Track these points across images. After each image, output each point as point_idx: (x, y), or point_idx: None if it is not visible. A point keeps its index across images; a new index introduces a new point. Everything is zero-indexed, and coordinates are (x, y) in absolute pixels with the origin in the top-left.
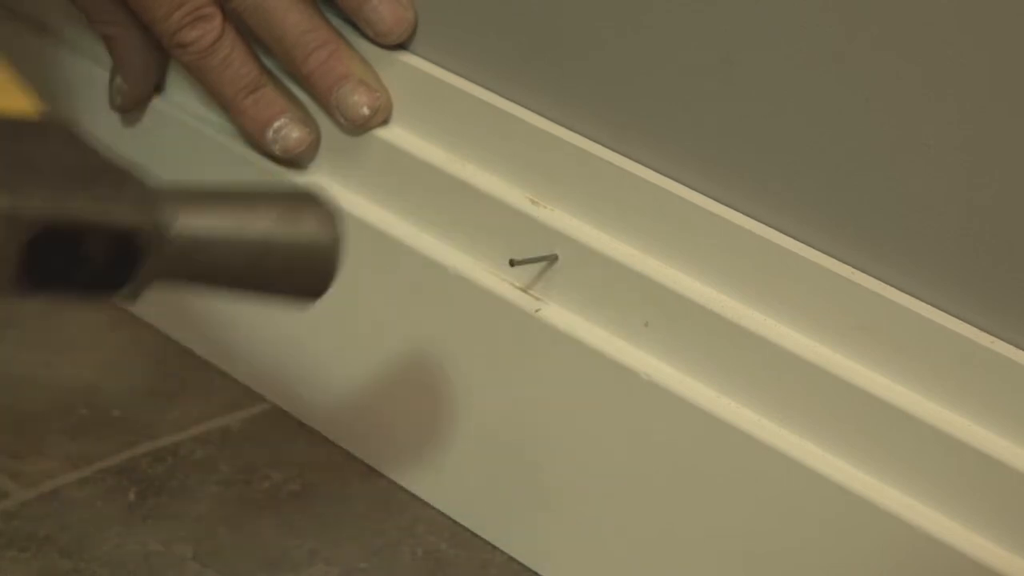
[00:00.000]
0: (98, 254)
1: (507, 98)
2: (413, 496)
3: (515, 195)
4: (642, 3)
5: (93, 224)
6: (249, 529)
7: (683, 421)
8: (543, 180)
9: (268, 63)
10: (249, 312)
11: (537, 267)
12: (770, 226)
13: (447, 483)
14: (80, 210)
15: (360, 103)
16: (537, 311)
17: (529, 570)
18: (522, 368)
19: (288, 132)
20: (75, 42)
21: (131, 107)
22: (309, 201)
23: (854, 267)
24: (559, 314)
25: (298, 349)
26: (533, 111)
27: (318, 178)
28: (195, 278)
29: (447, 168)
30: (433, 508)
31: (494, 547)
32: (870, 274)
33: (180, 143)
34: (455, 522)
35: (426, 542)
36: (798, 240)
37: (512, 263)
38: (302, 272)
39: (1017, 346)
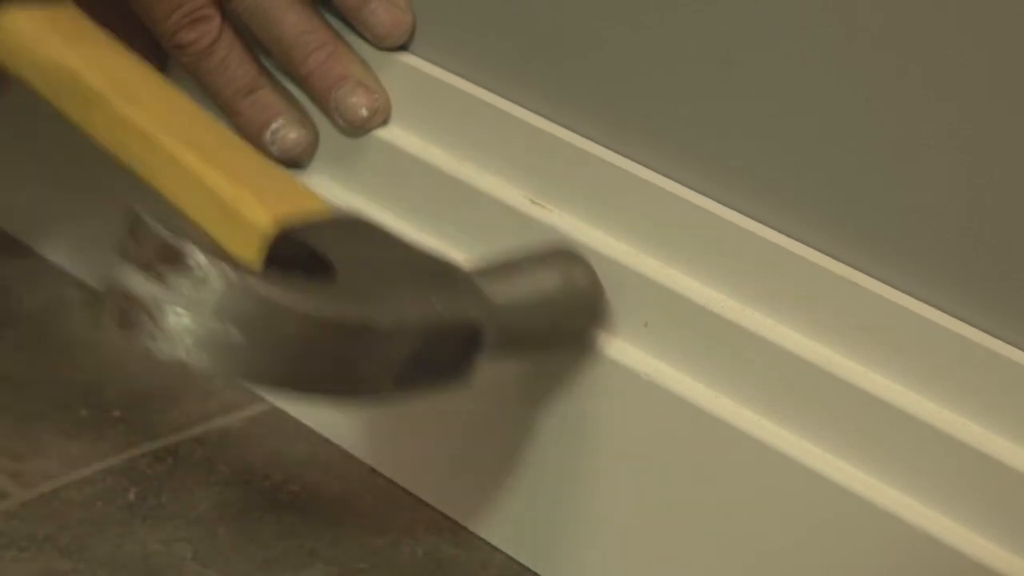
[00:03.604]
0: (453, 349)
1: (507, 98)
2: (413, 496)
3: (515, 195)
4: (642, 3)
5: (456, 325)
6: (249, 529)
7: (683, 421)
8: (543, 180)
9: (268, 64)
10: None
11: None
12: (770, 226)
13: (447, 483)
14: (446, 314)
15: (359, 104)
16: None
17: (529, 570)
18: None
19: (286, 133)
20: None
21: None
22: (571, 256)
23: (854, 267)
24: None
25: None
26: (533, 111)
27: (318, 179)
28: (509, 347)
29: (447, 168)
30: (433, 508)
31: (494, 547)
32: (870, 274)
33: None
34: (455, 522)
35: (426, 542)
36: (798, 240)
37: None
38: (582, 320)
39: (1017, 346)
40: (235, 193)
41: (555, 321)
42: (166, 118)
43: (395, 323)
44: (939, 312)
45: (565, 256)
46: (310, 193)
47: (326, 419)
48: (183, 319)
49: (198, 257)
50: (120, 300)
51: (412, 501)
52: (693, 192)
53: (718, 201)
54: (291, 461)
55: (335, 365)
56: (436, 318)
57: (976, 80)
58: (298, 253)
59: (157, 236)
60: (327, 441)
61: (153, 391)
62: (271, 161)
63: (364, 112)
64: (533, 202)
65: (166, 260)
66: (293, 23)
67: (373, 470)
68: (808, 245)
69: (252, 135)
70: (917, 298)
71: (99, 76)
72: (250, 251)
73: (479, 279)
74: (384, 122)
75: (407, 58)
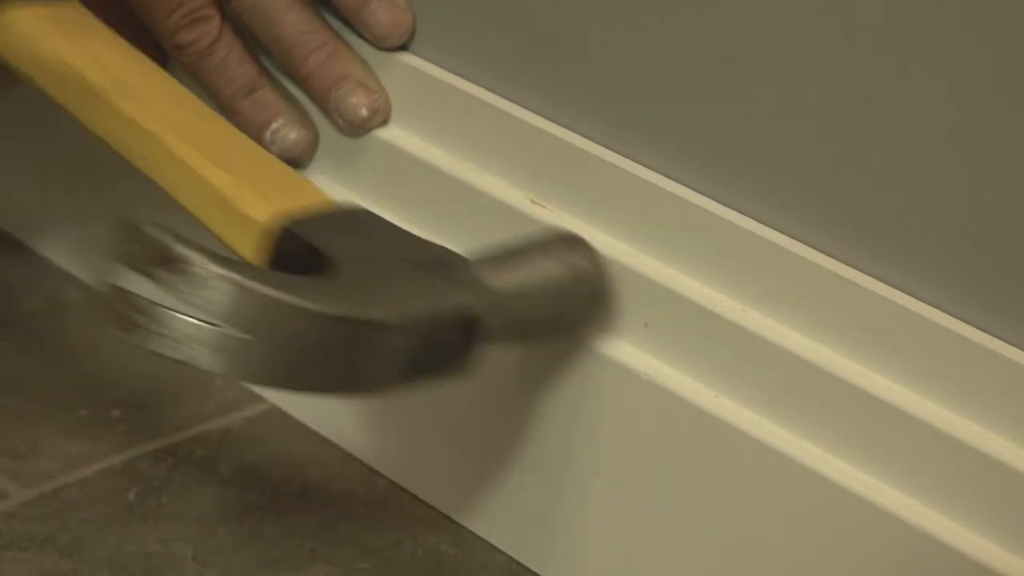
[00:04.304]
0: (454, 338)
1: (507, 98)
2: (413, 496)
3: (515, 195)
4: (642, 3)
5: (457, 316)
6: (249, 529)
7: (683, 421)
8: (543, 180)
9: (268, 64)
10: None
11: None
12: (770, 226)
13: (447, 483)
14: (447, 305)
15: (359, 104)
16: None
17: (529, 570)
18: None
19: (286, 133)
20: None
21: None
22: (575, 243)
23: (854, 267)
24: None
25: None
26: (533, 111)
27: (318, 179)
28: (511, 335)
29: (447, 168)
30: (433, 508)
31: (494, 547)
32: (870, 274)
33: None
34: (455, 522)
35: (426, 542)
36: (798, 240)
37: None
38: (586, 306)
39: (1017, 346)
40: (236, 189)
41: (557, 307)
42: (167, 114)
43: (398, 317)
44: (939, 312)
45: (567, 241)
46: (312, 187)
47: (326, 419)
48: (187, 322)
49: (197, 260)
50: (121, 305)
51: (412, 501)
52: (693, 192)
53: (718, 201)
54: (291, 461)
55: (340, 362)
56: (437, 310)
57: (976, 80)
58: (302, 248)
59: (155, 241)
60: (327, 441)
61: (153, 391)
62: (272, 156)
63: (364, 112)
64: (533, 202)
65: (165, 264)
66: (293, 23)
67: (373, 470)
68: (808, 245)
69: (252, 135)
70: (917, 298)
71: (100, 73)
72: (252, 247)
73: (480, 268)
74: (384, 122)
75: (407, 58)
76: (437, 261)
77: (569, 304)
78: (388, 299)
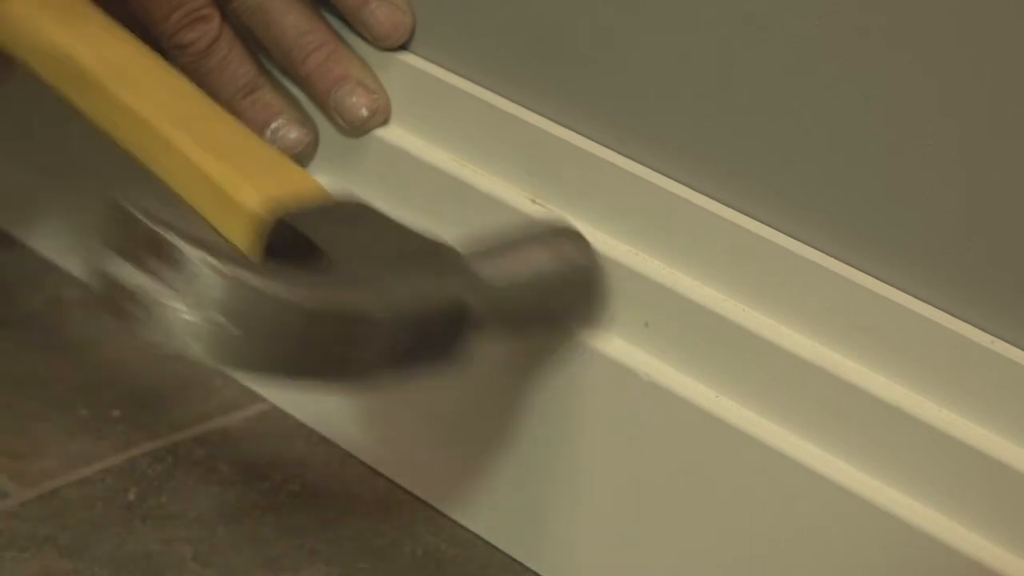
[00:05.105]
0: (445, 330)
1: (507, 98)
2: (413, 496)
3: (515, 195)
4: (642, 3)
5: (448, 308)
6: (249, 529)
7: (683, 421)
8: (543, 180)
9: (268, 64)
10: None
11: None
12: (770, 226)
13: (447, 483)
14: (438, 298)
15: (358, 104)
16: None
17: (529, 570)
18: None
19: (286, 133)
20: None
21: None
22: (569, 234)
23: (854, 267)
24: None
25: None
26: (533, 111)
27: (317, 179)
28: (503, 327)
29: (447, 168)
30: (433, 508)
31: (494, 547)
32: (870, 274)
33: None
34: (455, 522)
35: (426, 542)
36: (798, 240)
37: None
38: (579, 299)
39: (1017, 346)
40: (231, 177)
41: (549, 299)
42: (163, 101)
43: (388, 310)
44: (939, 312)
45: (560, 232)
46: (307, 177)
47: (326, 419)
48: (177, 312)
49: (186, 250)
50: (112, 293)
51: (412, 501)
52: (693, 192)
53: (718, 201)
54: (291, 461)
55: (329, 353)
56: (428, 303)
57: (977, 80)
58: (296, 238)
59: (145, 228)
60: (327, 441)
61: (153, 391)
62: (269, 145)
63: (364, 112)
64: (533, 202)
65: (155, 253)
66: (293, 24)
67: (373, 470)
68: (808, 245)
69: None
70: (917, 298)
71: (95, 60)
72: (245, 237)
73: (472, 259)
74: (384, 122)
75: (407, 58)
76: (429, 253)
77: (562, 296)
78: (379, 293)
